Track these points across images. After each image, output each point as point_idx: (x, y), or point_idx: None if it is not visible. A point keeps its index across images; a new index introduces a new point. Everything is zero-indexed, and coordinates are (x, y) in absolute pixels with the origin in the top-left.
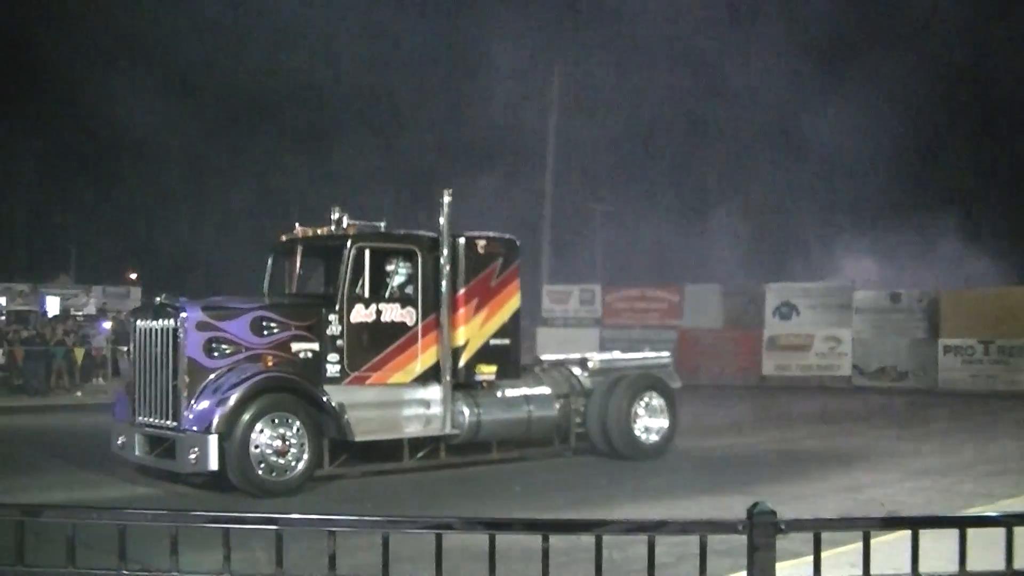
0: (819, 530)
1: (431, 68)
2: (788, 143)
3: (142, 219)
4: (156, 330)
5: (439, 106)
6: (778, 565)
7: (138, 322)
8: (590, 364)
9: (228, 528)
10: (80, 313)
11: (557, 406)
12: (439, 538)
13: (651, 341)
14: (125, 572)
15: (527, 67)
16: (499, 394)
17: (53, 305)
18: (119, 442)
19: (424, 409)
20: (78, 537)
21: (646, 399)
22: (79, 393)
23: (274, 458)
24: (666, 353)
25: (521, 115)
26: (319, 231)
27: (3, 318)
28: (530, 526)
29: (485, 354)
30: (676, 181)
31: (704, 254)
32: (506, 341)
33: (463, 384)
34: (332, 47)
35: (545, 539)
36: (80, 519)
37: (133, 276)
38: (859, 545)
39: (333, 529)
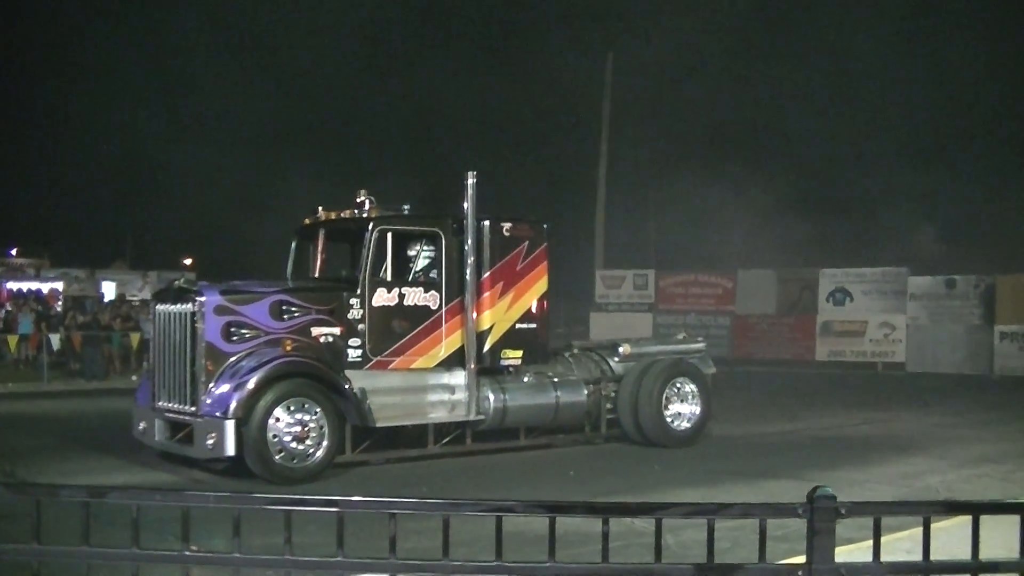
0: (880, 515)
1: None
2: (845, 125)
3: (200, 204)
4: (175, 314)
5: (490, 93)
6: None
7: (158, 306)
8: (621, 350)
9: (290, 511)
10: (135, 298)
11: (586, 392)
12: (499, 520)
13: (705, 326)
14: (188, 553)
15: (582, 56)
16: (525, 379)
17: (110, 290)
18: (140, 427)
19: (448, 395)
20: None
21: (678, 385)
22: (134, 377)
23: (293, 444)
24: (700, 341)
25: (575, 101)
26: (342, 214)
27: (60, 303)
28: (591, 509)
29: (511, 339)
30: (728, 166)
31: (758, 239)
32: (533, 326)
33: (489, 369)
34: (404, 45)
35: (605, 522)
36: (144, 500)
37: (187, 262)
38: (914, 531)
39: (394, 512)
